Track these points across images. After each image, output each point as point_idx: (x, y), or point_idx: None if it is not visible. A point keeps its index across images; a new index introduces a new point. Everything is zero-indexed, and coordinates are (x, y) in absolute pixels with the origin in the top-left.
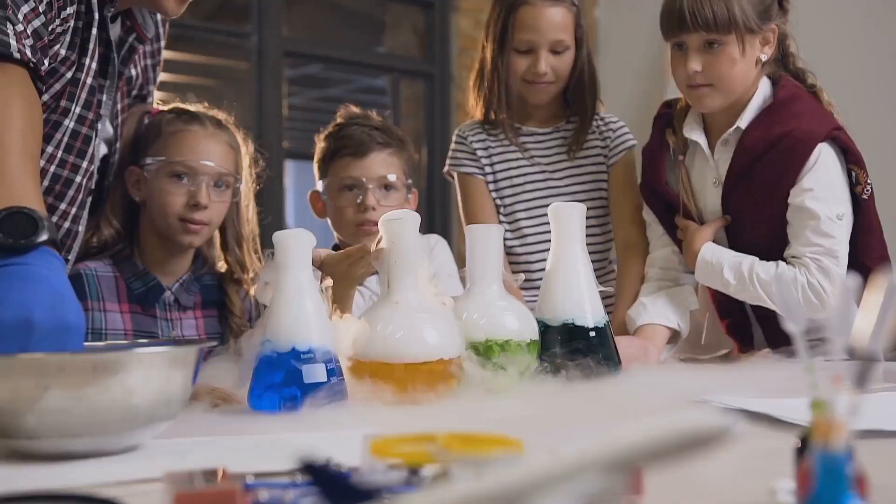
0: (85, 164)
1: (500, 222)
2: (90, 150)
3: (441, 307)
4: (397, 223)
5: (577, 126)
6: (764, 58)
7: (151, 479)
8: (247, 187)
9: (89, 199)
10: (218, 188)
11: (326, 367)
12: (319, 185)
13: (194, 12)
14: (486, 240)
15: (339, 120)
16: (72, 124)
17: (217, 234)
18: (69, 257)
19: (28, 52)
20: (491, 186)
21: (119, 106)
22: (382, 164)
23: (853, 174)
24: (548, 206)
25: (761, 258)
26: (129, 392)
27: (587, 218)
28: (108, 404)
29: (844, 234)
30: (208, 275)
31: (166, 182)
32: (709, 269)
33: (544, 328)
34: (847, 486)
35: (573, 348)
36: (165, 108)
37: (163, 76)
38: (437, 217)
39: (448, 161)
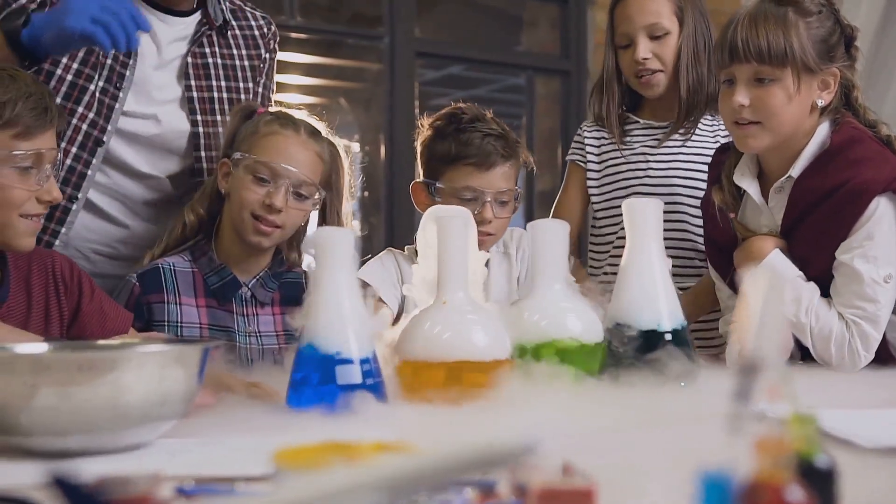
0: (80, 109)
1: (601, 216)
2: (86, 98)
3: (490, 308)
4: (447, 222)
5: (676, 117)
6: (821, 103)
7: None
8: (340, 197)
9: (98, 150)
10: (298, 195)
11: (362, 368)
12: (421, 176)
13: (329, 18)
14: (549, 236)
15: (455, 115)
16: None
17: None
18: (79, 195)
19: None
20: (594, 182)
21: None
22: (503, 178)
23: None
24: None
25: None
26: (119, 391)
27: (674, 213)
28: (97, 403)
29: (891, 297)
30: (292, 272)
31: (249, 179)
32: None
33: (615, 329)
34: None
35: (646, 352)
36: (272, 109)
37: (297, 79)
38: None
39: None
